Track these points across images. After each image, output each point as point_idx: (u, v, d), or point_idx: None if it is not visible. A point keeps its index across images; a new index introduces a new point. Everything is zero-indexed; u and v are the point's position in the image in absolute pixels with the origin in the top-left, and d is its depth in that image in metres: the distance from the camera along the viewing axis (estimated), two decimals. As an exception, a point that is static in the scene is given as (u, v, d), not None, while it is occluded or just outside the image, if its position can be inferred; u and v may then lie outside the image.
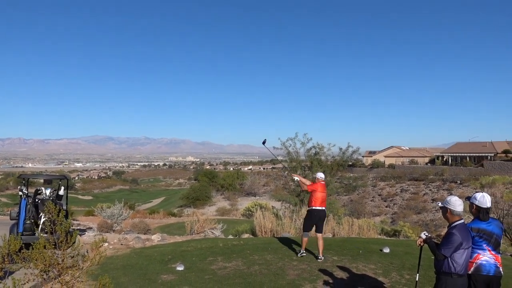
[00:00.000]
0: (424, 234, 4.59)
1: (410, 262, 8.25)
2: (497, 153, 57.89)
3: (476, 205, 4.44)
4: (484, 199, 4.43)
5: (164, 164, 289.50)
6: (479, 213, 4.40)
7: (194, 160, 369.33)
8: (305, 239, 8.59)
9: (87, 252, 2.54)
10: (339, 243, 10.27)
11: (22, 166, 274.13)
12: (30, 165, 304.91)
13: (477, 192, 4.61)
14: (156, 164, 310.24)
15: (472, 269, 4.35)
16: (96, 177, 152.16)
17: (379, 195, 53.36)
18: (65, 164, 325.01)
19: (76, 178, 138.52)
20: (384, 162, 73.89)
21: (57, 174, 17.47)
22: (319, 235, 8.40)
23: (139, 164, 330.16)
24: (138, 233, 14.55)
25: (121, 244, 10.21)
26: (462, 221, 4.28)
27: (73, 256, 2.46)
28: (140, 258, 8.38)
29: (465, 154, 63.07)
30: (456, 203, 4.30)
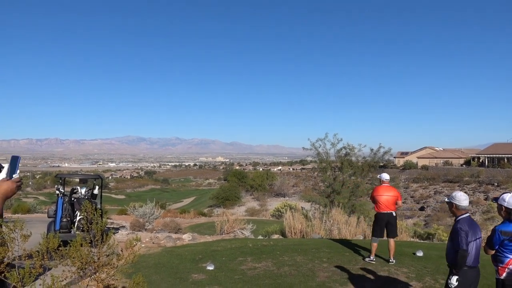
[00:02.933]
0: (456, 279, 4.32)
1: (445, 266, 8.01)
2: (538, 154, 55.48)
3: (505, 207, 4.17)
4: None
5: (195, 164, 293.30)
6: (509, 215, 4.14)
7: (223, 160, 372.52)
8: (374, 244, 8.30)
9: (121, 250, 2.61)
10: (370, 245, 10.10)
11: (58, 166, 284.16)
12: (66, 164, 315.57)
13: (505, 193, 4.31)
14: (186, 164, 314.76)
15: (504, 274, 4.15)
16: (128, 177, 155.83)
17: (411, 197, 52.21)
18: (99, 164, 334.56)
19: (110, 177, 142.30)
20: (416, 163, 72.20)
21: (92, 173, 17.99)
22: (390, 239, 8.17)
23: (170, 164, 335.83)
24: (169, 232, 14.79)
25: (153, 243, 10.41)
26: (467, 214, 4.44)
27: (108, 255, 2.53)
28: (172, 257, 8.51)
29: (503, 155, 60.74)
30: (461, 198, 4.45)
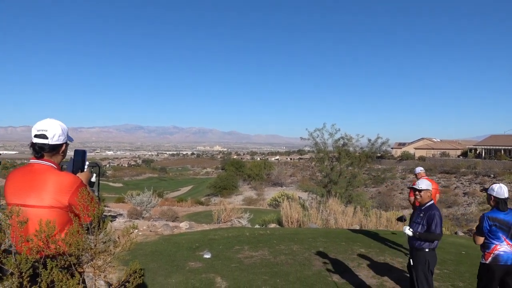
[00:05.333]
0: (410, 230, 4.77)
1: (440, 256, 8.07)
2: (534, 146, 55.64)
3: (494, 196, 4.55)
4: (501, 190, 4.53)
5: (192, 153, 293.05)
6: (498, 204, 4.51)
7: (221, 149, 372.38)
8: None
9: (118, 238, 2.62)
10: (367, 235, 10.18)
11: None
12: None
13: (494, 183, 4.74)
14: (184, 153, 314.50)
15: (489, 259, 4.45)
16: (126, 165, 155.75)
17: (408, 187, 52.42)
18: (96, 152, 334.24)
19: (107, 165, 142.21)
20: (414, 154, 72.38)
21: (89, 161, 17.88)
22: None
23: (167, 152, 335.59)
24: (166, 220, 14.84)
25: (150, 231, 10.44)
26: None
27: (105, 242, 2.53)
28: (169, 245, 8.55)
29: (500, 147, 60.90)
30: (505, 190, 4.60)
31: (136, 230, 10.17)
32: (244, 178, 72.52)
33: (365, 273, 6.81)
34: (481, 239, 4.52)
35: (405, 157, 70.66)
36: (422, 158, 67.17)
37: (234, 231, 10.34)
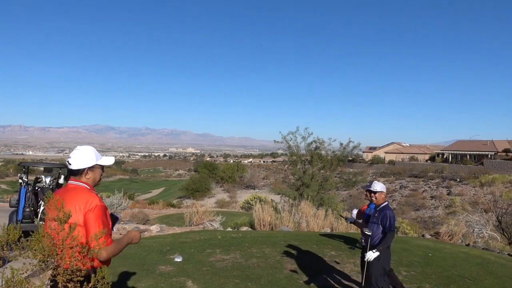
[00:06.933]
0: (374, 252, 4.92)
1: (408, 258, 8.28)
2: (498, 151, 57.79)
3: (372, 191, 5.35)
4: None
5: (164, 155, 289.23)
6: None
7: (194, 151, 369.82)
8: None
9: (86, 241, 2.55)
10: (337, 238, 10.30)
11: (22, 154, 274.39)
12: (30, 152, 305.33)
13: (373, 181, 5.50)
14: (156, 154, 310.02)
15: (363, 243, 5.41)
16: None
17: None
18: (65, 153, 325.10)
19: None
20: (384, 158, 73.89)
21: (57, 162, 17.42)
22: None
23: (139, 154, 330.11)
24: (137, 223, 14.59)
25: (120, 234, 10.23)
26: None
27: (71, 247, 2.46)
28: (139, 248, 8.40)
29: (466, 152, 63.02)
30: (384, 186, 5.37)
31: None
32: (217, 181, 72.21)
33: (336, 276, 6.89)
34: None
35: (376, 161, 72.08)
36: (392, 162, 68.69)
37: (206, 234, 10.27)
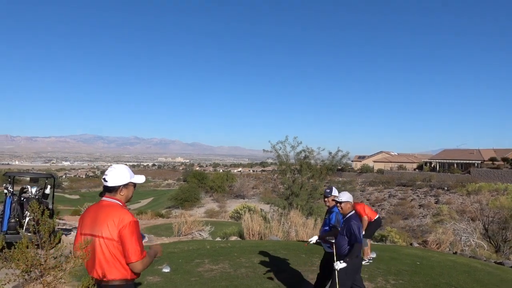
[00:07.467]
0: (341, 263, 4.98)
1: (396, 267, 8.31)
2: (484, 160, 58.59)
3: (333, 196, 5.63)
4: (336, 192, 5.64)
5: (154, 165, 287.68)
6: (337, 203, 5.33)
7: (183, 161, 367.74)
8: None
9: (70, 252, 2.53)
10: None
11: (8, 164, 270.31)
12: (16, 162, 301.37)
13: (331, 186, 6.04)
14: (145, 164, 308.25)
15: (327, 248, 5.54)
16: (83, 176, 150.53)
17: (367, 199, 53.61)
18: (52, 163, 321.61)
19: (64, 176, 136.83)
20: (373, 167, 74.38)
21: (44, 172, 17.20)
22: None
23: (128, 164, 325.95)
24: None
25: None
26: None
27: (56, 257, 2.42)
28: (126, 259, 8.29)
29: (453, 160, 63.76)
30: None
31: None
32: (207, 190, 71.81)
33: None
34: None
35: (365, 170, 72.52)
36: (380, 171, 69.15)
37: (194, 244, 10.20)
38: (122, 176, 3.06)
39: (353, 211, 5.25)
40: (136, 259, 2.81)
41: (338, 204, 5.22)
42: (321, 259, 5.84)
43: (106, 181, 3.03)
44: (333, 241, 5.17)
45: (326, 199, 5.87)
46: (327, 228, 5.76)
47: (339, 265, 4.85)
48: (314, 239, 5.69)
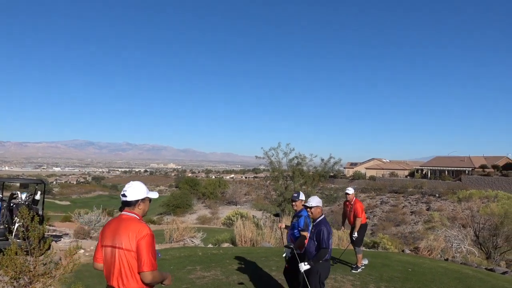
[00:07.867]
0: (305, 264, 5.09)
1: (388, 274, 8.32)
2: (475, 167, 59.11)
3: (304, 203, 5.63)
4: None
5: (145, 171, 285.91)
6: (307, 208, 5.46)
7: (176, 167, 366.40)
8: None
9: (60, 259, 2.51)
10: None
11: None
12: (6, 168, 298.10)
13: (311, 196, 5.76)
14: (137, 170, 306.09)
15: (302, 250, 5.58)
16: (74, 182, 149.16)
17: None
18: (43, 168, 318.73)
19: (54, 182, 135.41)
20: (365, 174, 74.61)
21: (34, 178, 17.03)
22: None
23: (119, 170, 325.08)
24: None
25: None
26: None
27: (45, 264, 2.40)
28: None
29: (444, 168, 64.21)
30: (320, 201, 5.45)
31: (83, 251, 9.74)
32: (199, 197, 71.50)
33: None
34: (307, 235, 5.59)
35: (357, 176, 72.73)
36: (372, 178, 69.38)
37: (186, 251, 10.14)
38: (140, 191, 3.31)
39: (323, 216, 5.33)
40: (147, 269, 2.99)
41: (309, 209, 5.32)
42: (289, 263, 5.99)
43: (126, 196, 3.28)
44: (292, 246, 5.48)
45: (294, 203, 6.15)
46: (296, 231, 5.93)
47: (303, 266, 4.96)
48: (288, 252, 5.94)
